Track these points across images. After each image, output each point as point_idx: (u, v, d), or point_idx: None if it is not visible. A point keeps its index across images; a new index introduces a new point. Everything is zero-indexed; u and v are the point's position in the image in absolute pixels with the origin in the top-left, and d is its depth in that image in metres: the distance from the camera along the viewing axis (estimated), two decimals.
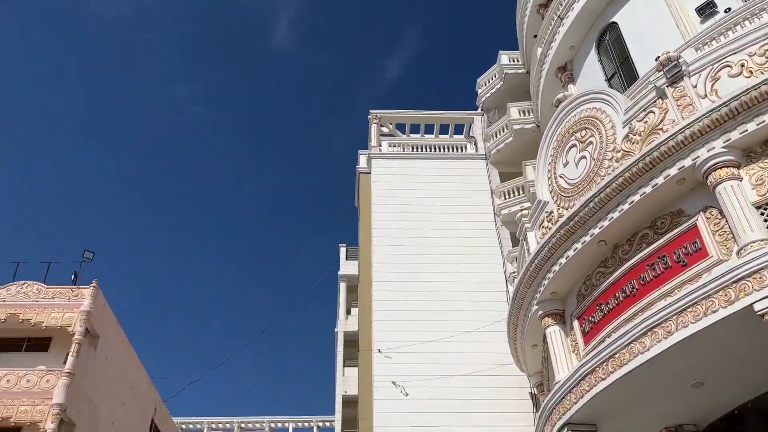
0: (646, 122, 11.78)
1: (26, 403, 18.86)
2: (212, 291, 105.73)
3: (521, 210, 16.90)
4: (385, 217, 23.60)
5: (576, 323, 13.01)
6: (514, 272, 20.00)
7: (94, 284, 21.79)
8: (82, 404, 20.29)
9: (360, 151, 27.94)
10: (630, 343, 10.46)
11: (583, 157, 13.11)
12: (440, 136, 27.63)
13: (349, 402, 24.31)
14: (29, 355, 21.33)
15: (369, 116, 27.49)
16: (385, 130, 27.79)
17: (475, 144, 26.32)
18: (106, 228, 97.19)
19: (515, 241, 21.20)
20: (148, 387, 26.76)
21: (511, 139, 24.21)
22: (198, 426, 50.77)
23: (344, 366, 26.14)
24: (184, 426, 47.45)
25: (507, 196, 23.43)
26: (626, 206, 11.49)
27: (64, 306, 21.04)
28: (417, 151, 26.09)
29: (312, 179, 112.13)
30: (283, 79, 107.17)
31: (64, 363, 20.03)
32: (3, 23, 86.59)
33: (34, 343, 21.76)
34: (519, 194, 23.00)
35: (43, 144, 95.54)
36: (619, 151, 12.07)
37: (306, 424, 52.02)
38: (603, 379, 10.86)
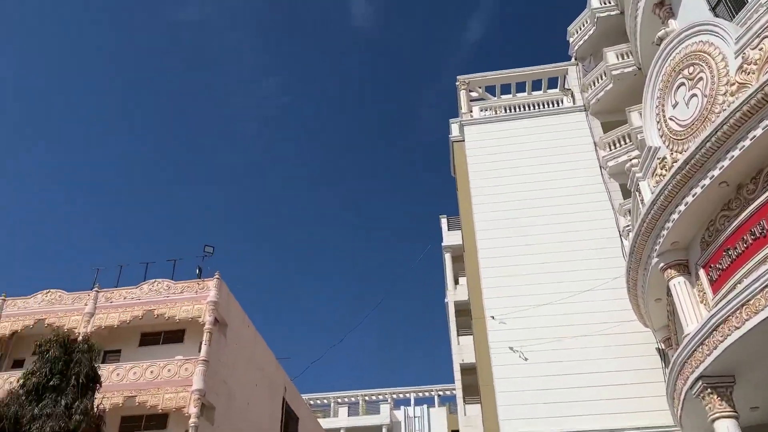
0: (761, 49, 10.82)
1: (170, 390, 20.46)
2: (322, 272, 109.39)
3: (630, 160, 16.17)
4: (484, 184, 23.26)
5: (702, 272, 12.33)
6: (628, 226, 19.15)
7: (217, 276, 23.15)
8: (218, 388, 21.77)
9: (451, 120, 27.64)
10: (765, 287, 9.78)
11: (694, 95, 12.26)
12: (533, 93, 26.75)
13: (468, 370, 24.44)
14: (167, 347, 23.08)
15: (457, 83, 27.05)
16: (474, 94, 27.27)
17: (572, 96, 25.23)
18: (218, 223, 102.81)
19: (626, 193, 20.26)
20: (276, 368, 28.22)
21: (610, 85, 23.00)
22: (325, 401, 53.14)
23: (458, 335, 26.23)
24: (312, 402, 49.82)
25: (612, 147, 22.37)
26: (747, 142, 10.66)
27: (192, 299, 22.54)
28: (510, 112, 25.40)
29: (406, 154, 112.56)
30: (366, 57, 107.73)
31: (199, 351, 21.50)
32: (97, 35, 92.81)
33: (170, 335, 23.50)
34: (625, 143, 21.87)
35: (153, 152, 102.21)
36: (733, 84, 11.19)
37: (426, 394, 53.01)
38: (737, 328, 10.25)
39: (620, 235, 20.41)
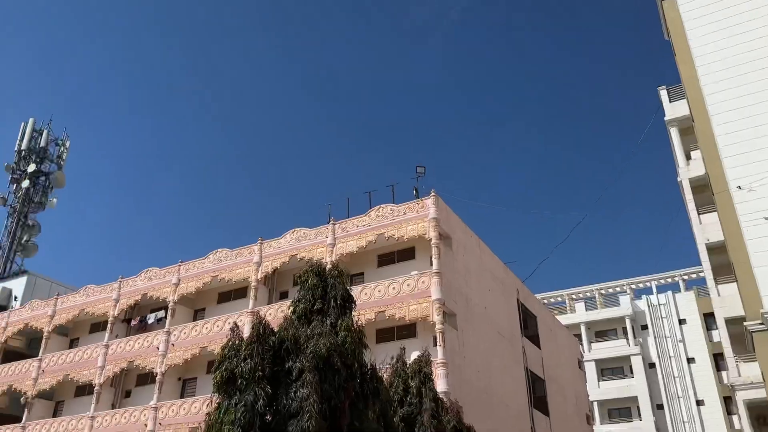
0: None
1: (413, 303, 22.07)
2: (537, 172, 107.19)
3: None
4: (706, 41, 20.48)
5: None
6: None
7: (433, 194, 23.95)
8: (455, 296, 22.90)
9: None
10: None
11: None
12: None
13: (715, 249, 22.47)
14: (402, 265, 24.77)
15: None
16: None
17: None
18: (423, 139, 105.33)
19: None
20: (505, 272, 28.76)
21: None
22: (559, 299, 53.22)
23: (699, 214, 24.12)
24: (545, 301, 50.23)
25: None
26: None
27: (415, 218, 23.69)
28: None
29: (606, 27, 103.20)
30: None
31: (431, 265, 22.72)
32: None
33: (402, 254, 25.14)
34: None
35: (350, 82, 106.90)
36: None
37: (669, 280, 50.18)
38: None
39: None
